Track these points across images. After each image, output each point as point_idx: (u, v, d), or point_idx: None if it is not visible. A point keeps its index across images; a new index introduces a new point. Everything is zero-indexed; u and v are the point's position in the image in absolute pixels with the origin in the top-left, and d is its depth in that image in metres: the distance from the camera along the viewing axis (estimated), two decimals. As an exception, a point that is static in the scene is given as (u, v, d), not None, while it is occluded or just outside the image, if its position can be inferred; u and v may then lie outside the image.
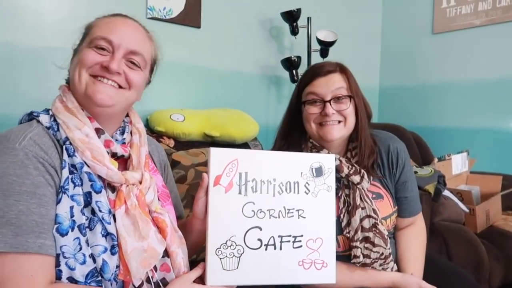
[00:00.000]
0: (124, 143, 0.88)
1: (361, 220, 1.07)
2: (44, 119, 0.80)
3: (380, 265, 1.08)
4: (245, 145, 1.97)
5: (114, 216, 0.78)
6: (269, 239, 0.87)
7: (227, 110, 2.05)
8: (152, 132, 1.81)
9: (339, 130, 1.09)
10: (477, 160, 2.35)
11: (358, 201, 1.07)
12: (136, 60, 0.85)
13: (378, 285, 1.09)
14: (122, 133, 0.89)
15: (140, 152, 0.88)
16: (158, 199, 0.90)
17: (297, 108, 1.16)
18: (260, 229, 0.86)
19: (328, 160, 0.94)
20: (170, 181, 1.06)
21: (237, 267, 0.84)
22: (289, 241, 0.88)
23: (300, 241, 0.89)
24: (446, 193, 1.86)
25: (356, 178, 1.08)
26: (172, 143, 1.78)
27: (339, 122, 1.09)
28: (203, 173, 0.87)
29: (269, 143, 2.47)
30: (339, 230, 1.08)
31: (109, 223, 0.76)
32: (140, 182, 0.83)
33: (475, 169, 2.33)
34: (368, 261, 1.06)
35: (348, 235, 1.07)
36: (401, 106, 2.94)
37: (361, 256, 1.06)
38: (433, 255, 1.30)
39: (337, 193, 1.08)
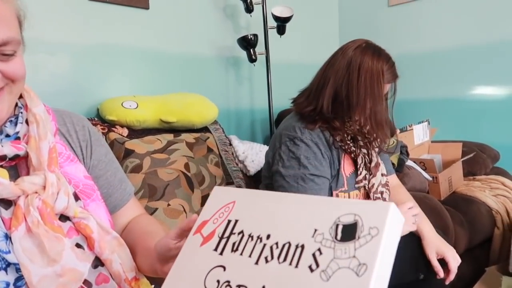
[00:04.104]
0: (18, 138, 0.67)
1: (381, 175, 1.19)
2: None
3: None
4: (205, 129, 1.89)
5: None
6: None
7: (183, 94, 1.95)
8: (103, 122, 1.69)
9: None
10: (438, 129, 2.39)
11: (379, 159, 1.20)
12: (9, 49, 0.62)
13: None
14: (16, 123, 0.68)
15: (41, 148, 0.67)
16: (78, 198, 0.70)
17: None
18: None
19: (377, 213, 0.46)
20: (99, 163, 0.83)
21: None
22: None
23: None
24: (409, 163, 1.87)
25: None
26: (125, 132, 1.67)
27: None
28: (194, 214, 0.69)
29: (231, 125, 2.41)
30: (353, 184, 1.16)
31: (8, 252, 0.59)
32: (44, 188, 0.65)
33: (436, 138, 2.36)
34: None
35: (368, 186, 1.16)
36: (362, 81, 2.92)
37: None
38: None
39: (352, 152, 1.16)
